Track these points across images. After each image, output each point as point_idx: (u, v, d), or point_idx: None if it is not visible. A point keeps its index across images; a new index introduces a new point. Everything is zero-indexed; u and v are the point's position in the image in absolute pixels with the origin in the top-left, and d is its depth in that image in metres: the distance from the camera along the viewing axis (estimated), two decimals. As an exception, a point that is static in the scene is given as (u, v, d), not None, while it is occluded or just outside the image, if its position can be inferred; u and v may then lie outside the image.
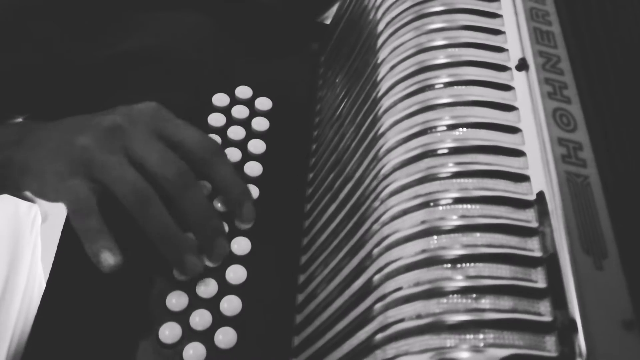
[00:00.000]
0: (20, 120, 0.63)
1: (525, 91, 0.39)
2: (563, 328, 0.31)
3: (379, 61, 0.45)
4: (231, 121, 0.56)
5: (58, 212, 0.51)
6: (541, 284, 0.33)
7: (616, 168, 0.37)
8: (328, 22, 0.68)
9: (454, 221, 0.35)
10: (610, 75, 0.42)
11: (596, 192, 0.35)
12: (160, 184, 0.45)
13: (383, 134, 0.41)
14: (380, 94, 0.43)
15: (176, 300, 0.46)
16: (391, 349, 0.33)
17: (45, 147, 0.47)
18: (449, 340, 0.31)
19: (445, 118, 0.38)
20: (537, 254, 0.34)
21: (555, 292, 0.32)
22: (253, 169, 0.54)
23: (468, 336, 0.31)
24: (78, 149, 0.45)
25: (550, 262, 0.33)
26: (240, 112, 0.57)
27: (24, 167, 0.47)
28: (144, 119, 0.48)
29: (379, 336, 0.34)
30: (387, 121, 0.41)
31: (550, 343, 0.31)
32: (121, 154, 0.46)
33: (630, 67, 0.43)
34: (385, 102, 0.42)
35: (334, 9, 0.67)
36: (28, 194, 0.50)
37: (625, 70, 0.43)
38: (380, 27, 0.46)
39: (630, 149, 0.39)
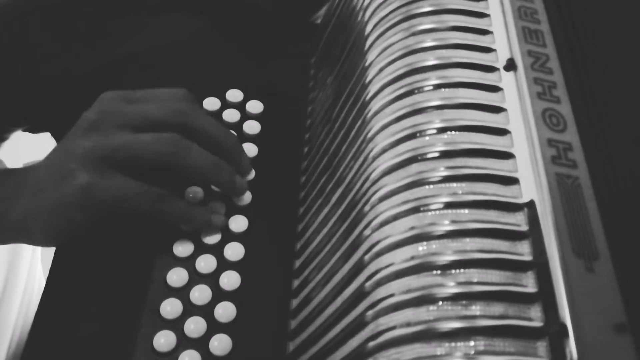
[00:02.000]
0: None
1: (513, 92, 0.38)
2: (554, 333, 0.31)
3: (367, 63, 0.45)
4: (222, 125, 0.56)
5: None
6: (531, 288, 0.32)
7: (607, 168, 0.37)
8: (319, 22, 0.67)
9: (444, 226, 0.34)
10: (600, 74, 0.42)
11: (587, 193, 0.35)
12: (173, 121, 0.47)
13: (372, 137, 0.41)
14: (369, 96, 0.43)
15: (170, 308, 0.46)
16: (382, 358, 0.33)
17: (38, 185, 0.47)
18: (439, 348, 0.31)
19: (434, 121, 0.38)
20: (527, 257, 0.33)
21: (545, 296, 0.32)
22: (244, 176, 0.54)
23: (459, 344, 0.31)
24: (80, 156, 0.45)
25: (540, 266, 0.33)
26: (231, 115, 0.57)
27: (24, 218, 0.47)
28: (109, 100, 0.48)
29: (371, 344, 0.34)
30: (376, 125, 0.41)
31: (541, 349, 0.31)
32: (121, 131, 0.46)
33: (620, 66, 0.43)
34: (374, 105, 0.42)
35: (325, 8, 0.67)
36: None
37: (615, 69, 0.42)
38: (369, 28, 0.46)
39: (621, 149, 0.39)
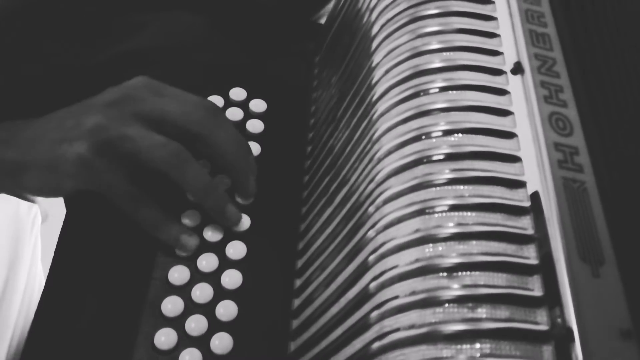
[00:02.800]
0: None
1: (520, 95, 0.38)
2: (560, 337, 0.31)
3: (373, 64, 0.44)
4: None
5: (58, 212, 0.51)
6: (537, 292, 0.32)
7: (613, 173, 0.37)
8: (323, 21, 0.67)
9: (450, 229, 0.34)
10: (607, 78, 0.42)
11: (593, 197, 0.35)
12: (189, 129, 0.47)
13: (378, 139, 0.41)
14: (375, 98, 0.43)
15: (172, 306, 0.46)
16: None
17: (44, 140, 0.47)
18: (445, 350, 0.31)
19: (440, 124, 0.38)
20: (534, 261, 0.33)
21: (551, 300, 0.32)
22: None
23: (464, 346, 0.31)
24: (91, 129, 0.45)
25: (546, 270, 0.33)
26: (234, 114, 0.57)
27: (19, 165, 0.47)
28: (139, 86, 0.48)
29: (375, 345, 0.34)
30: (382, 126, 0.41)
31: (547, 353, 0.31)
32: (137, 121, 0.46)
33: (627, 69, 0.43)
34: (380, 107, 0.42)
35: (329, 7, 0.67)
36: (27, 195, 0.50)
37: (622, 72, 0.42)
38: (375, 29, 0.46)
39: (627, 153, 0.39)
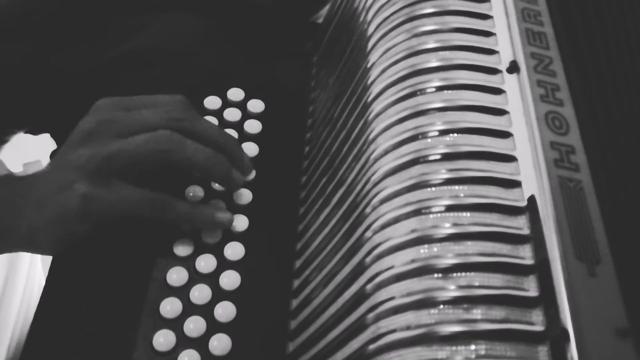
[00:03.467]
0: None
1: (516, 94, 0.38)
2: (555, 338, 0.31)
3: (369, 64, 0.44)
4: (223, 124, 0.56)
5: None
6: (533, 292, 0.32)
7: (609, 172, 0.37)
8: (321, 20, 0.67)
9: (446, 229, 0.34)
10: (603, 76, 0.41)
11: (589, 196, 0.35)
12: (169, 128, 0.47)
13: (374, 139, 0.41)
14: (371, 98, 0.43)
15: (170, 307, 0.46)
16: (382, 361, 0.33)
17: (48, 202, 0.46)
18: (440, 352, 0.31)
19: (436, 123, 0.38)
20: (529, 261, 0.33)
21: (547, 300, 0.32)
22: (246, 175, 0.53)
23: (460, 347, 0.31)
24: (77, 166, 0.45)
25: (542, 270, 0.33)
26: (232, 114, 0.57)
27: (33, 232, 0.47)
28: (106, 108, 0.48)
29: (372, 347, 0.34)
30: (378, 126, 0.41)
31: (542, 353, 0.31)
32: (118, 138, 0.46)
33: (624, 68, 0.43)
34: (376, 107, 0.42)
35: (327, 7, 0.67)
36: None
37: (619, 71, 0.42)
38: (371, 29, 0.46)
39: (624, 152, 0.39)
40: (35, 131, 0.64)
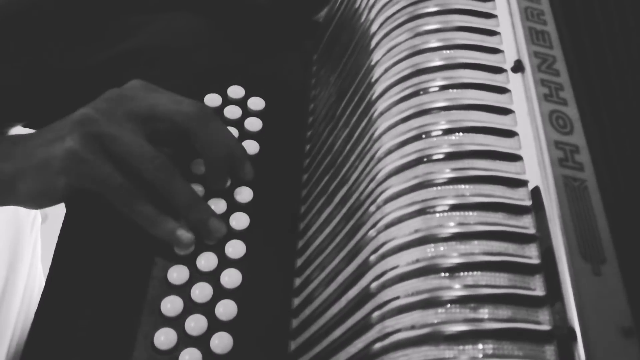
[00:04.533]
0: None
1: (521, 93, 0.38)
2: (562, 337, 0.31)
3: (373, 63, 0.44)
4: (223, 121, 0.55)
5: (58, 212, 0.51)
6: (539, 291, 0.32)
7: (614, 171, 0.37)
8: (321, 19, 0.67)
9: (451, 229, 0.34)
10: (607, 75, 0.41)
11: (593, 195, 0.35)
12: (178, 123, 0.47)
13: (378, 138, 0.41)
14: (374, 96, 0.43)
15: (171, 306, 0.46)
16: (389, 360, 0.33)
17: (39, 147, 0.47)
18: (447, 351, 0.31)
19: (440, 122, 0.38)
20: (535, 261, 0.33)
21: (553, 300, 0.32)
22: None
23: (466, 347, 0.31)
24: (81, 120, 0.46)
25: (548, 269, 0.33)
26: (232, 112, 0.56)
27: (15, 176, 0.47)
28: (133, 87, 0.49)
29: (377, 346, 0.34)
30: (382, 125, 0.41)
31: (549, 353, 0.31)
32: (127, 120, 0.46)
33: (627, 67, 0.43)
34: (380, 105, 0.42)
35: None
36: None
37: (622, 70, 0.42)
38: (374, 27, 0.46)
39: (627, 151, 0.39)
40: (34, 125, 0.63)
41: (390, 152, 0.39)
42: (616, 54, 0.43)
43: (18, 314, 0.70)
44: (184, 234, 0.47)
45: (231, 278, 0.48)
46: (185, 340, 0.45)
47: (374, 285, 0.36)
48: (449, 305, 0.32)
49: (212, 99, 0.56)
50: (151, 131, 0.47)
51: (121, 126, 0.46)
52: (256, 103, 0.57)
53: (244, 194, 0.52)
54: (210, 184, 0.51)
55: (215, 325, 0.46)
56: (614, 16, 0.44)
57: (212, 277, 0.48)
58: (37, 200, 0.49)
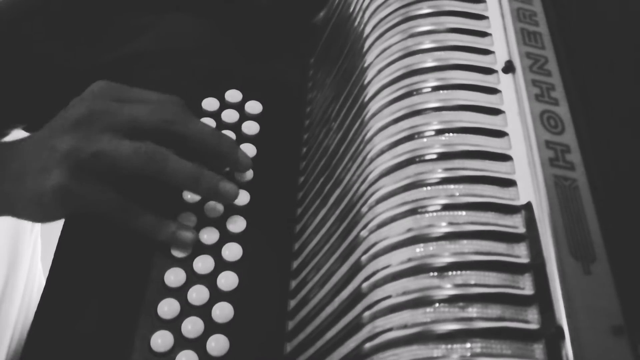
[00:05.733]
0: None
1: (511, 94, 0.39)
2: (550, 335, 0.31)
3: (365, 64, 0.45)
4: (221, 125, 0.56)
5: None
6: (528, 290, 0.32)
7: (604, 170, 0.37)
8: (318, 23, 0.67)
9: (441, 228, 0.34)
10: (598, 75, 0.42)
11: (584, 195, 0.35)
12: (162, 129, 0.47)
13: (370, 139, 0.41)
14: (367, 98, 0.43)
15: (168, 308, 0.46)
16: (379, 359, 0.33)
17: (29, 172, 0.47)
18: (436, 350, 0.31)
19: (432, 123, 0.38)
20: (524, 260, 0.33)
21: (542, 298, 0.32)
22: (244, 173, 0.54)
23: (456, 346, 0.31)
24: (63, 154, 0.45)
25: (537, 268, 0.33)
26: (230, 116, 0.57)
27: (11, 199, 0.47)
28: (101, 94, 0.48)
29: (368, 345, 0.34)
30: (374, 126, 0.41)
31: (538, 351, 0.31)
32: (107, 134, 0.46)
33: (618, 67, 0.43)
34: (373, 107, 0.42)
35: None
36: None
37: (614, 71, 0.42)
38: (367, 29, 0.46)
39: (618, 151, 0.39)
40: (33, 128, 0.64)
41: (382, 152, 0.39)
42: (607, 54, 0.43)
43: (18, 314, 0.70)
44: (185, 234, 0.48)
45: (228, 281, 0.48)
46: (181, 342, 0.45)
47: (365, 285, 0.36)
48: (437, 305, 0.32)
49: (210, 103, 0.57)
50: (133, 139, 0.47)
51: (101, 140, 0.46)
52: (253, 107, 0.58)
53: (241, 197, 0.52)
54: (235, 166, 0.51)
55: (211, 327, 0.46)
56: (604, 16, 0.44)
57: (209, 280, 0.48)
58: (35, 220, 0.50)
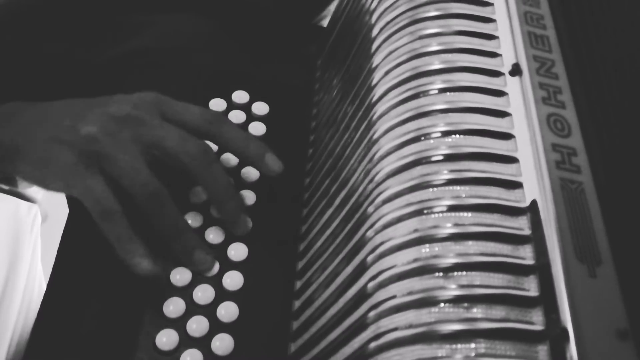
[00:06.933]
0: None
1: (518, 97, 0.39)
2: (555, 337, 0.31)
3: (373, 66, 0.45)
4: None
5: (58, 212, 0.51)
6: (533, 292, 0.32)
7: (611, 174, 0.37)
8: (325, 23, 0.67)
9: (447, 229, 0.34)
10: (605, 79, 0.42)
11: (590, 198, 0.35)
12: (183, 162, 0.46)
13: (377, 140, 0.41)
14: (374, 99, 0.43)
15: (173, 307, 0.46)
16: (383, 359, 0.33)
17: (41, 130, 0.46)
18: (440, 350, 0.31)
19: (438, 125, 0.38)
20: (530, 262, 0.33)
21: (547, 300, 0.32)
22: (250, 173, 0.54)
23: (460, 346, 0.31)
24: (84, 138, 0.45)
25: (542, 270, 0.33)
26: (237, 117, 0.57)
27: (15, 148, 0.46)
28: (147, 105, 0.48)
29: (372, 345, 0.34)
30: (381, 127, 0.41)
31: (542, 353, 0.31)
32: (132, 145, 0.45)
33: (626, 71, 0.43)
34: (380, 108, 0.42)
35: (331, 9, 0.67)
36: (19, 179, 0.49)
37: (621, 74, 0.42)
38: (375, 31, 0.46)
39: (625, 155, 0.39)
40: None
41: (388, 153, 0.39)
42: (615, 57, 0.43)
43: (18, 314, 0.70)
44: (201, 255, 0.48)
45: (233, 280, 0.48)
46: (186, 341, 0.45)
47: (370, 285, 0.36)
48: (443, 305, 0.32)
49: (217, 104, 0.57)
50: (152, 158, 0.47)
51: (122, 148, 0.45)
52: (260, 108, 0.58)
53: (247, 198, 0.52)
54: (230, 225, 0.50)
55: (216, 326, 0.46)
56: (611, 20, 0.44)
57: (215, 280, 0.48)
58: (31, 182, 0.48)
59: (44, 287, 0.48)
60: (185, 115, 0.48)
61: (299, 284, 0.48)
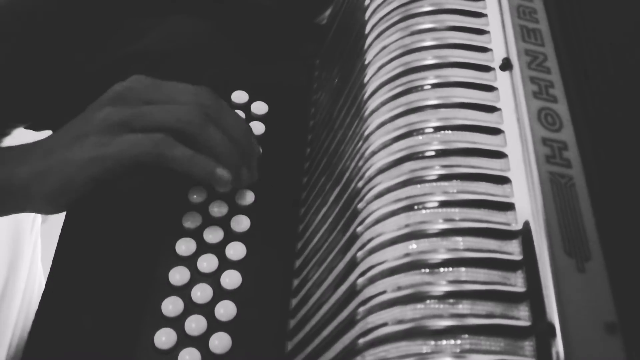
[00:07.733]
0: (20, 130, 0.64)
1: (508, 91, 0.38)
2: (541, 332, 0.30)
3: (365, 62, 0.45)
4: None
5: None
6: (520, 287, 0.32)
7: (602, 168, 0.36)
8: (324, 23, 0.67)
9: (436, 225, 0.34)
10: (598, 73, 0.41)
11: (581, 192, 0.35)
12: (181, 130, 0.47)
13: (368, 136, 0.41)
14: (366, 95, 0.43)
15: (172, 306, 0.46)
16: (370, 356, 0.33)
17: (61, 143, 0.47)
18: (425, 346, 0.31)
19: (429, 120, 0.38)
20: (517, 257, 0.33)
21: (533, 295, 0.32)
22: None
23: (445, 342, 0.31)
24: (100, 120, 0.46)
25: (529, 265, 0.32)
26: (236, 116, 0.57)
27: (36, 175, 0.47)
28: (137, 81, 0.49)
29: (361, 341, 0.34)
30: (372, 123, 0.41)
31: (528, 348, 0.31)
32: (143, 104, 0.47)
33: (618, 65, 0.42)
34: (371, 104, 0.42)
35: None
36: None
37: (614, 68, 0.42)
38: (368, 27, 0.46)
39: (617, 149, 0.39)
40: (36, 127, 0.64)
41: (379, 149, 0.39)
42: (608, 51, 0.42)
43: (18, 314, 0.71)
44: (223, 172, 0.47)
45: (231, 279, 0.48)
46: (185, 340, 0.45)
47: (360, 281, 0.36)
48: (429, 301, 0.32)
49: (217, 104, 0.57)
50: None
51: (141, 109, 0.47)
52: (259, 107, 0.58)
53: (246, 197, 0.52)
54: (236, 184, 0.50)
55: (214, 325, 0.46)
56: (605, 13, 0.43)
57: (213, 279, 0.48)
58: (53, 200, 0.48)
59: (44, 287, 0.48)
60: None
61: (296, 282, 0.48)
